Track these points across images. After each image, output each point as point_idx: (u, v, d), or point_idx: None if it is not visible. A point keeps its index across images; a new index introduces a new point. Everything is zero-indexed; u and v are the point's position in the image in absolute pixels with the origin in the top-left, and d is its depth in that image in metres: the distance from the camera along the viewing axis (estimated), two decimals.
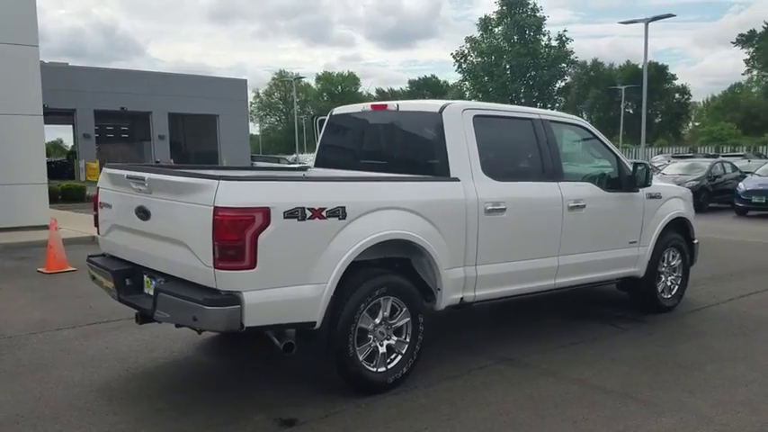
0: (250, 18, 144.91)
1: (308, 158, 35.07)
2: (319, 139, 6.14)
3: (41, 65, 12.96)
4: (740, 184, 17.95)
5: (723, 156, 33.41)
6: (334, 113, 6.05)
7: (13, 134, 12.06)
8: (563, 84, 70.78)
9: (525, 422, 3.89)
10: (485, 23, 67.56)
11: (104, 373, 4.71)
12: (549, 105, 64.82)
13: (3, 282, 8.05)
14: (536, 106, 51.30)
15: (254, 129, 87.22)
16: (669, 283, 6.59)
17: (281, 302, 3.79)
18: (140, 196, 4.22)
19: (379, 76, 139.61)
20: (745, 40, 66.88)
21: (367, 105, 5.80)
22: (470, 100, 39.73)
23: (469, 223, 4.67)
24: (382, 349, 4.30)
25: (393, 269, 4.48)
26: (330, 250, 3.94)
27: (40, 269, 8.64)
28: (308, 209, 3.83)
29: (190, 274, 3.87)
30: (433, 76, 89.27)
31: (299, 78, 68.26)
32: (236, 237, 3.60)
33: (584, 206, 5.48)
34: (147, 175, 4.20)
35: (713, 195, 19.06)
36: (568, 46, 66.56)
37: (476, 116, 4.96)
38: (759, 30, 64.73)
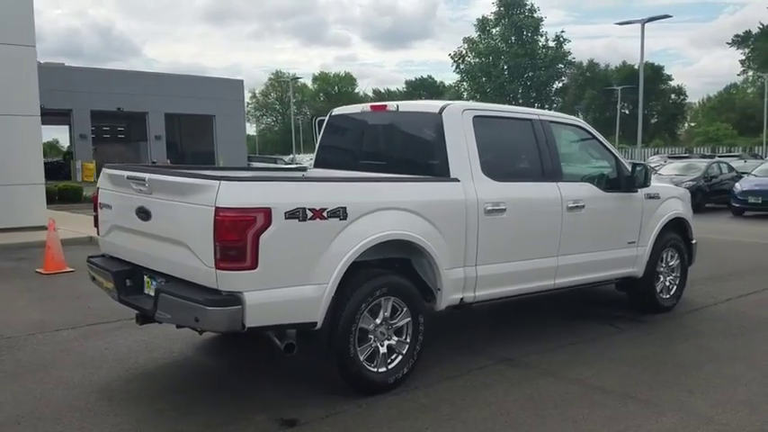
0: (246, 18, 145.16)
1: (305, 159, 35.09)
2: (319, 139, 6.13)
3: (38, 65, 12.93)
4: (737, 185, 17.96)
5: (719, 156, 33.56)
6: (333, 114, 6.05)
7: (10, 135, 12.04)
8: (560, 84, 70.96)
9: (525, 422, 3.90)
10: (482, 24, 67.75)
11: (104, 374, 4.70)
12: (547, 106, 65.04)
13: (1, 282, 8.03)
14: (534, 107, 51.42)
15: (251, 129, 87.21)
16: (668, 284, 6.61)
17: (282, 303, 3.79)
18: (141, 197, 4.22)
19: (376, 77, 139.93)
20: (740, 40, 67.17)
21: (366, 106, 5.80)
22: (468, 100, 39.84)
23: (469, 224, 4.68)
24: (383, 349, 4.30)
25: (393, 269, 4.48)
26: (331, 250, 3.94)
27: (38, 270, 8.61)
28: (309, 209, 3.84)
29: (191, 274, 3.87)
30: (430, 77, 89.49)
31: (295, 79, 68.26)
32: (237, 237, 3.60)
33: (583, 206, 5.49)
34: (147, 176, 4.19)
35: (710, 196, 19.06)
36: (566, 47, 66.81)
37: (475, 117, 4.97)
38: (755, 30, 65.05)
